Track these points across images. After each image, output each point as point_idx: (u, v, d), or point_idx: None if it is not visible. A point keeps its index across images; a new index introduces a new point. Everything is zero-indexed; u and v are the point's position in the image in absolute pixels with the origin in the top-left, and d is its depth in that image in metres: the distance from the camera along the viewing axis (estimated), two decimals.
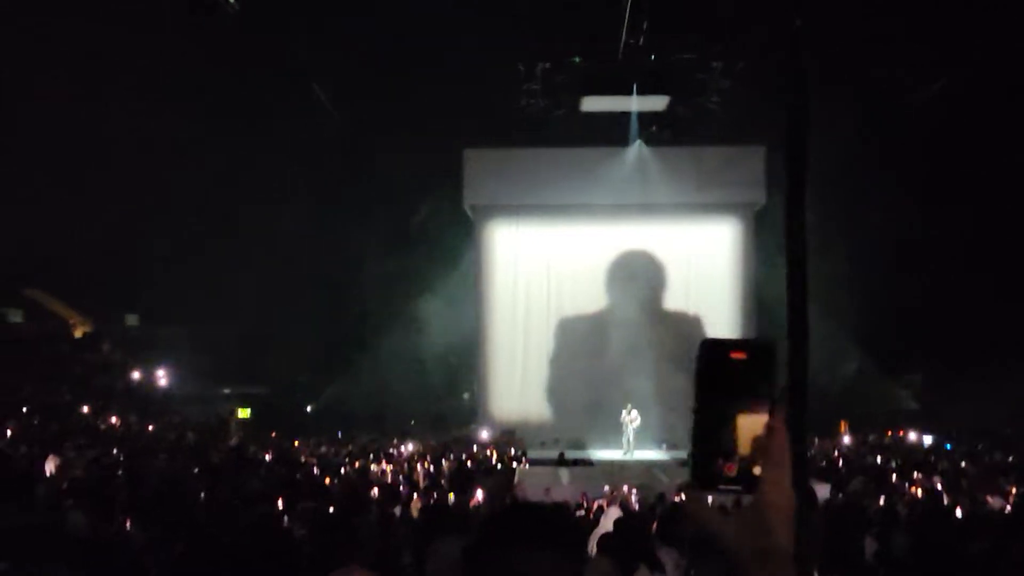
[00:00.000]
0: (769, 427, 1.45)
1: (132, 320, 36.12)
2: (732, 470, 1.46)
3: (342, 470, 21.74)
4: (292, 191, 28.79)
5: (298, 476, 19.17)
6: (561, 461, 25.83)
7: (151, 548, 7.86)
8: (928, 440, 28.03)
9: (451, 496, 16.26)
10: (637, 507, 15.85)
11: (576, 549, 2.07)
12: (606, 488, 19.30)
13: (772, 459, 1.45)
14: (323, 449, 26.42)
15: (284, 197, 28.78)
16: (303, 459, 23.66)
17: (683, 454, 26.78)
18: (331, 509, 11.93)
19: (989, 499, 16.51)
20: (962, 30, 22.52)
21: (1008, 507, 15.02)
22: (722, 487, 1.47)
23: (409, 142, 28.10)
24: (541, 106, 29.18)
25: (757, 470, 1.45)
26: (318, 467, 21.87)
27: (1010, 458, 24.06)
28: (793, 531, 1.45)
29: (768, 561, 1.43)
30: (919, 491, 18.03)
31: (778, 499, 1.44)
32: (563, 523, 2.05)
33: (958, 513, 12.70)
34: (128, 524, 8.93)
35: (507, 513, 2.12)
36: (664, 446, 28.73)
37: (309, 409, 32.53)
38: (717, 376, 1.46)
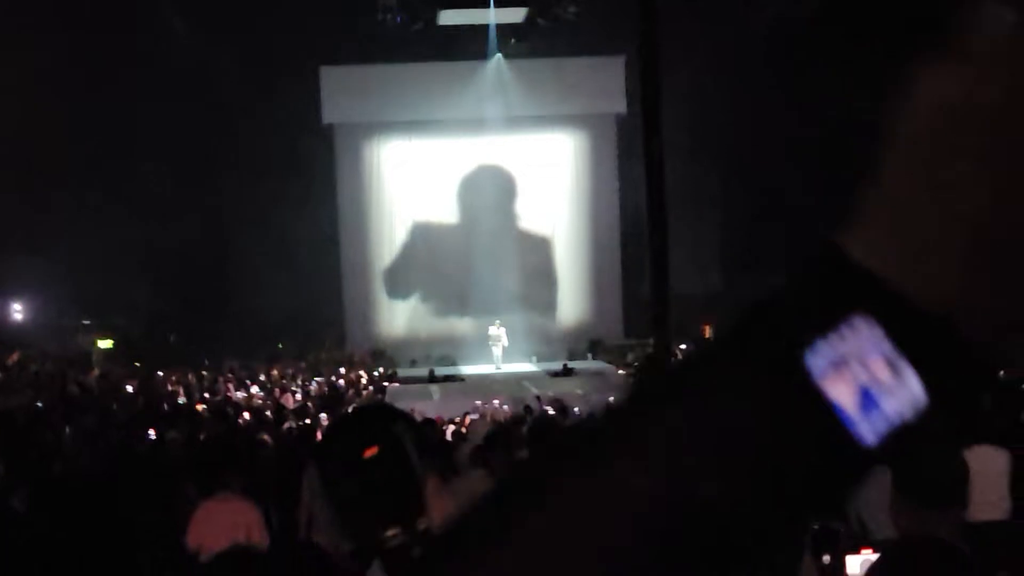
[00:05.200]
0: None
1: None
2: None
3: (206, 396, 21.45)
4: (148, 118, 27.56)
5: (165, 405, 18.90)
6: (431, 378, 25.93)
7: (15, 484, 7.66)
8: None
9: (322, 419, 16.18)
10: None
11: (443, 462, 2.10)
12: (477, 403, 19.48)
13: None
14: (189, 378, 25.84)
15: (144, 123, 27.55)
16: (169, 387, 23.22)
17: (553, 365, 27.20)
18: (201, 437, 11.82)
19: None
20: None
21: None
22: None
23: (263, 61, 27.38)
24: (398, 21, 28.68)
25: None
26: (183, 396, 21.55)
27: None
28: None
29: None
30: None
31: None
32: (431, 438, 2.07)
33: None
34: None
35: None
36: (534, 359, 29.04)
37: (173, 339, 31.69)
38: None
